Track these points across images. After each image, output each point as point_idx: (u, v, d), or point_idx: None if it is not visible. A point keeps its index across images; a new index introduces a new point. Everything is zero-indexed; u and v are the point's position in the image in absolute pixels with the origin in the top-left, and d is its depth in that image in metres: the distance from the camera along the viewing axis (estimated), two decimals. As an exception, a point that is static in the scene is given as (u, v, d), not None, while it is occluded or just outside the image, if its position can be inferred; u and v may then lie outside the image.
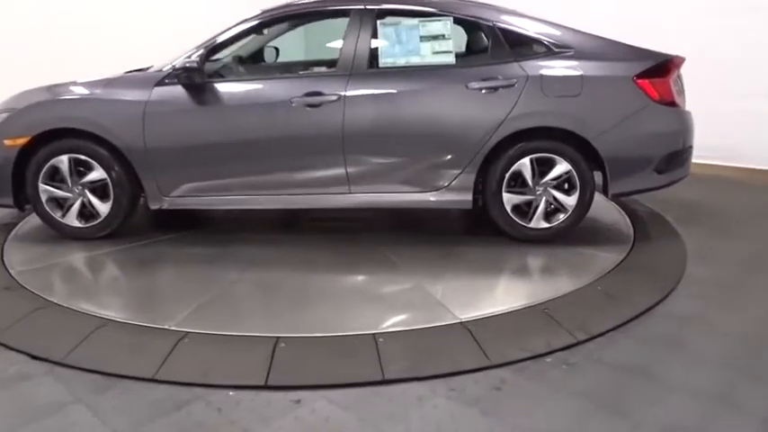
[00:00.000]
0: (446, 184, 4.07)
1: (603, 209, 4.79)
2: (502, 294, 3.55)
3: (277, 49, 5.29)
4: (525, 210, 4.15)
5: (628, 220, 4.66)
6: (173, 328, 3.02)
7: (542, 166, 4.07)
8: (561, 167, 4.01)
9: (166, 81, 4.09)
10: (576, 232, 4.17)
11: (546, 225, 4.12)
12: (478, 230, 4.43)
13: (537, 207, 4.09)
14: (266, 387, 2.60)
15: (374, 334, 2.95)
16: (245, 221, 4.80)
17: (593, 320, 3.12)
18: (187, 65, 3.98)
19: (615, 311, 3.23)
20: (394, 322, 3.10)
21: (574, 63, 3.98)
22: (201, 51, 4.10)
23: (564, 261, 3.90)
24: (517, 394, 2.58)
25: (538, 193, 4.07)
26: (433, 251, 4.06)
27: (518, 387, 2.63)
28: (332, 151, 4.04)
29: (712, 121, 4.94)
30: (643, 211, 4.90)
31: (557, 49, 4.03)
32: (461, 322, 3.07)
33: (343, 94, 3.98)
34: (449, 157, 4.03)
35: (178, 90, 4.07)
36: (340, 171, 4.07)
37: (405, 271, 3.73)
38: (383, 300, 3.36)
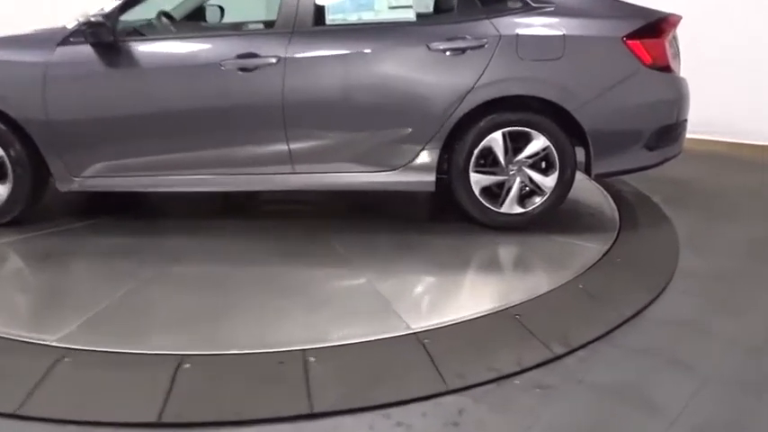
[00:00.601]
0: (405, 162, 3.48)
1: (585, 190, 4.25)
2: (466, 296, 2.99)
3: (221, 8, 4.64)
4: (497, 192, 3.59)
5: (612, 202, 4.13)
6: (53, 344, 2.42)
7: (516, 142, 3.50)
8: (538, 143, 3.44)
9: (72, 39, 3.41)
10: (554, 218, 3.63)
11: (520, 210, 3.57)
12: (443, 217, 3.88)
13: (510, 189, 3.53)
14: (159, 425, 2.03)
15: (304, 351, 2.38)
16: (172, 206, 4.19)
17: (574, 329, 2.59)
18: (92, 19, 3.32)
19: (599, 316, 2.70)
20: (331, 334, 2.53)
21: (554, 21, 3.39)
22: (117, 4, 3.46)
23: (540, 253, 3.37)
24: (478, 430, 2.06)
25: (511, 173, 3.51)
26: (389, 241, 3.50)
27: (479, 420, 2.09)
28: (270, 124, 3.43)
29: (705, 92, 4.41)
30: (629, 192, 4.38)
31: (535, 5, 3.43)
32: (415, 333, 2.52)
33: (283, 55, 3.35)
34: (408, 130, 3.44)
35: (86, 50, 3.40)
36: (281, 147, 3.47)
37: (353, 265, 3.17)
38: (322, 304, 2.79)
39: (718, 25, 5.49)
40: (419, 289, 3.00)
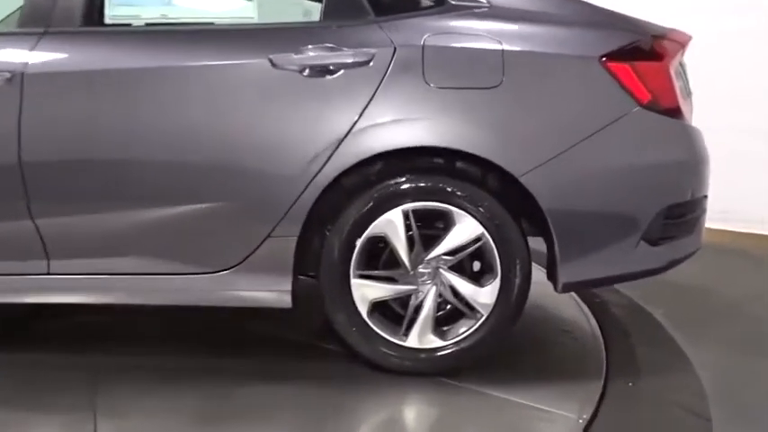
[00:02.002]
0: (239, 258, 2.04)
1: (550, 301, 2.80)
2: None
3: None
4: (398, 313, 2.16)
5: (593, 323, 2.65)
6: None
7: (429, 227, 2.09)
8: (464, 230, 2.02)
9: None
10: (498, 360, 2.18)
11: (437, 343, 2.09)
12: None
13: (420, 307, 2.08)
14: None
15: None
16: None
17: None
18: None
19: None
20: None
21: (488, 26, 2.04)
22: None
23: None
24: None
25: (422, 279, 2.08)
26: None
27: None
28: (2, 189, 2.03)
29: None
30: (618, 305, 2.91)
31: (456, 2, 2.13)
32: None
33: (21, 70, 1.96)
34: (240, 205, 2.02)
35: None
36: (23, 229, 2.04)
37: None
38: None
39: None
40: None
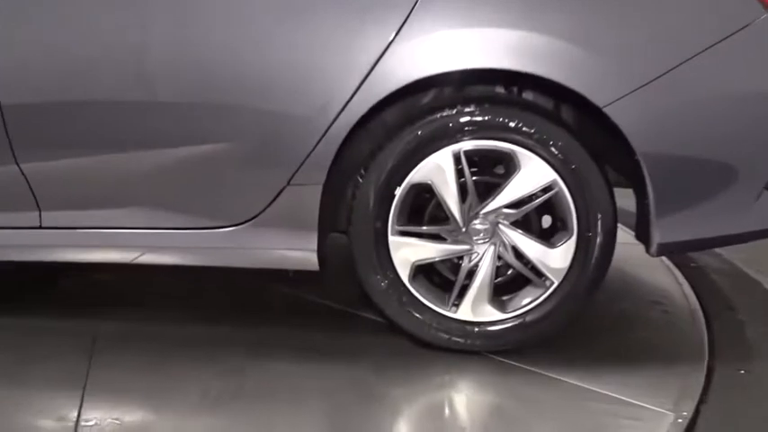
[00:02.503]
0: (252, 212, 1.70)
1: (634, 262, 2.36)
2: None
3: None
4: (447, 278, 1.79)
5: (689, 293, 2.15)
6: None
7: (486, 174, 1.71)
8: (531, 175, 1.60)
9: None
10: (570, 337, 1.79)
11: (496, 316, 1.71)
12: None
13: (474, 271, 1.69)
14: None
15: None
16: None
17: None
18: None
19: None
20: None
21: None
22: None
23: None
24: None
25: (476, 237, 1.70)
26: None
27: None
28: None
29: None
30: (718, 271, 2.45)
31: None
32: None
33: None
34: (248, 147, 1.64)
35: None
36: (9, 176, 1.73)
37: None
38: None
39: None
40: None
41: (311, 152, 1.61)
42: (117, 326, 1.92)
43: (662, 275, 2.30)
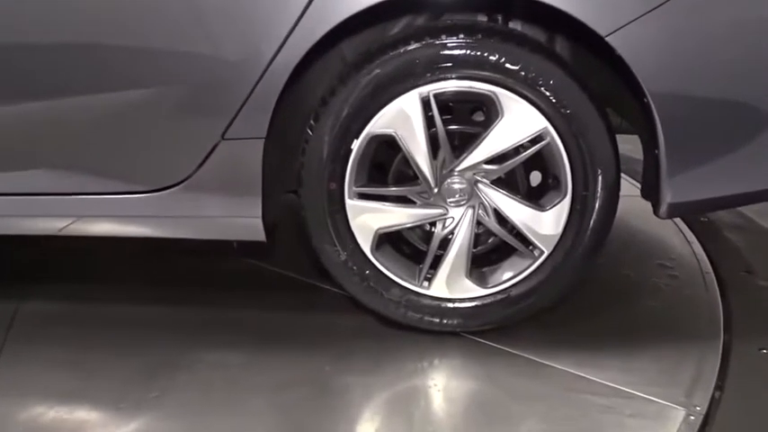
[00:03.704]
0: (183, 171, 1.41)
1: (635, 218, 2.06)
2: None
3: None
4: (417, 248, 1.54)
5: (699, 253, 1.87)
6: None
7: (461, 121, 1.41)
8: (517, 123, 1.30)
9: None
10: (561, 314, 1.56)
11: (476, 291, 1.44)
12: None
13: (448, 239, 1.44)
14: None
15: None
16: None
17: None
18: None
19: None
20: None
21: None
22: None
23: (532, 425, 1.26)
24: None
25: (451, 198, 1.43)
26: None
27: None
28: None
29: None
30: (732, 227, 2.14)
31: None
32: None
33: None
34: (171, 94, 1.32)
35: None
36: None
37: None
38: None
39: None
40: None
41: (246, 100, 1.31)
42: (36, 307, 1.66)
43: (669, 232, 2.02)
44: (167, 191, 1.42)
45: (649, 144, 1.38)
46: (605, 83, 1.38)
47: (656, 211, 1.41)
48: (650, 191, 1.42)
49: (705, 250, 1.91)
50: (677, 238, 1.99)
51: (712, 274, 1.78)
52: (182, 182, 1.41)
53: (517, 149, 1.34)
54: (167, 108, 1.34)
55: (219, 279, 1.83)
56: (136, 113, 1.36)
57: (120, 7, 1.30)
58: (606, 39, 1.22)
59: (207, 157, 1.38)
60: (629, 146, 1.73)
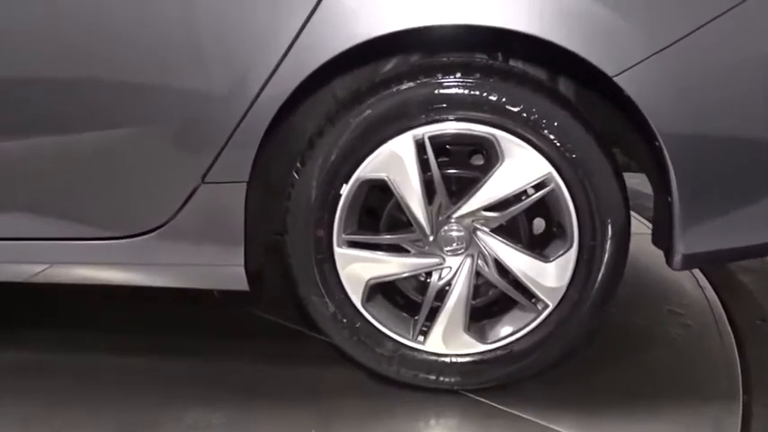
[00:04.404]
0: (160, 216, 1.31)
1: (642, 259, 1.93)
2: None
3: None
4: (411, 299, 1.42)
5: (713, 299, 1.76)
6: None
7: (458, 165, 1.31)
8: (519, 168, 1.21)
9: None
10: (567, 368, 1.43)
11: (474, 347, 1.32)
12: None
13: (445, 290, 1.33)
14: None
15: None
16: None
17: None
18: None
19: None
20: None
21: None
22: None
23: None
24: None
25: (448, 247, 1.31)
26: None
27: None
28: None
29: None
30: (747, 270, 2.02)
31: None
32: None
33: None
34: (148, 134, 1.23)
35: None
36: None
37: None
38: None
39: None
40: None
41: (228, 140, 1.23)
42: (7, 356, 1.56)
43: (679, 274, 1.92)
44: (143, 237, 1.32)
45: (659, 187, 1.29)
46: (611, 123, 1.29)
47: (668, 262, 1.31)
48: (662, 239, 1.31)
49: (718, 296, 1.80)
50: (688, 281, 1.88)
51: (727, 324, 1.67)
52: (159, 227, 1.31)
53: (519, 196, 1.25)
54: (143, 148, 1.25)
55: (204, 324, 1.73)
56: (108, 154, 1.27)
57: (88, 41, 1.22)
58: (614, 79, 1.14)
59: (186, 202, 1.29)
60: (637, 179, 1.65)
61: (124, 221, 1.31)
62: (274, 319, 1.71)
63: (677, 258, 1.27)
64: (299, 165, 1.27)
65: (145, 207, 1.30)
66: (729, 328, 1.65)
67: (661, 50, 1.14)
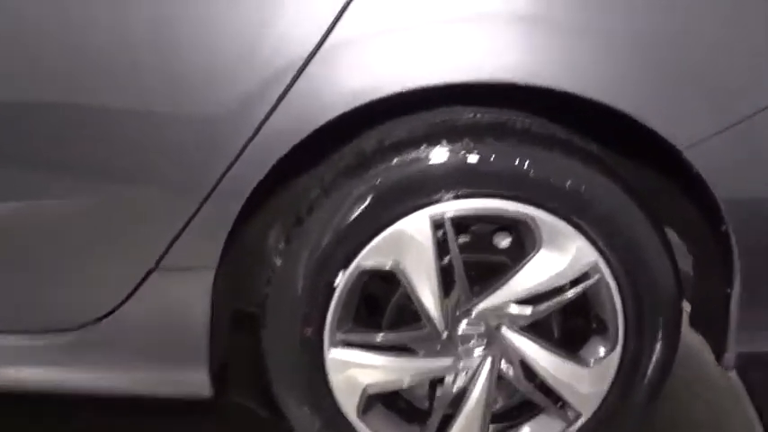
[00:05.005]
0: (97, 309, 1.00)
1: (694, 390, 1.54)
2: None
3: None
4: (415, 406, 1.16)
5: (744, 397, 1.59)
6: None
7: (481, 248, 1.05)
8: (559, 256, 0.97)
9: None
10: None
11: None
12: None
13: (461, 397, 1.06)
14: None
15: None
16: None
17: None
18: None
19: None
20: None
21: None
22: None
23: None
24: None
25: (465, 346, 1.06)
26: None
27: None
28: None
29: None
30: None
31: None
32: None
33: None
34: (87, 208, 0.95)
35: None
36: None
37: None
38: None
39: None
40: None
41: (192, 218, 0.95)
42: None
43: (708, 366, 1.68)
44: (78, 331, 1.03)
45: (711, 270, 1.08)
46: (666, 202, 1.08)
47: (718, 360, 1.11)
48: (711, 332, 1.12)
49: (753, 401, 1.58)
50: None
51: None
52: (98, 320, 1.02)
53: (559, 290, 1.01)
54: (84, 227, 0.96)
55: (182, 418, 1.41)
56: (41, 232, 0.97)
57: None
58: (684, 154, 0.93)
59: (134, 291, 0.99)
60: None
61: (57, 314, 1.01)
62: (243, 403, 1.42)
63: (728, 357, 1.07)
64: (282, 244, 1.01)
65: (81, 297, 1.00)
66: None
67: (732, 126, 0.92)
